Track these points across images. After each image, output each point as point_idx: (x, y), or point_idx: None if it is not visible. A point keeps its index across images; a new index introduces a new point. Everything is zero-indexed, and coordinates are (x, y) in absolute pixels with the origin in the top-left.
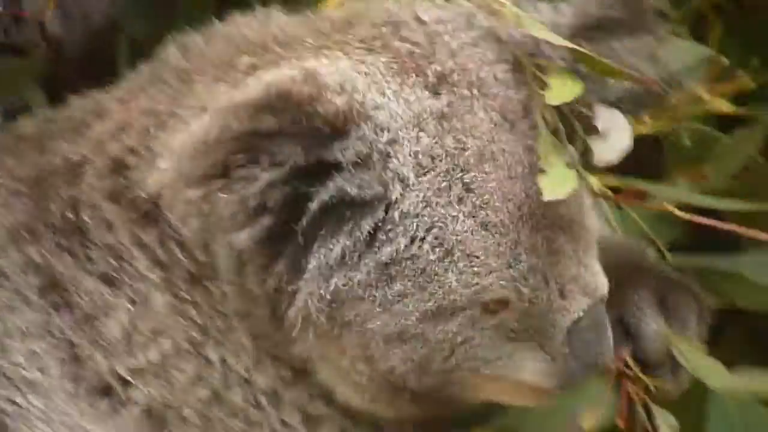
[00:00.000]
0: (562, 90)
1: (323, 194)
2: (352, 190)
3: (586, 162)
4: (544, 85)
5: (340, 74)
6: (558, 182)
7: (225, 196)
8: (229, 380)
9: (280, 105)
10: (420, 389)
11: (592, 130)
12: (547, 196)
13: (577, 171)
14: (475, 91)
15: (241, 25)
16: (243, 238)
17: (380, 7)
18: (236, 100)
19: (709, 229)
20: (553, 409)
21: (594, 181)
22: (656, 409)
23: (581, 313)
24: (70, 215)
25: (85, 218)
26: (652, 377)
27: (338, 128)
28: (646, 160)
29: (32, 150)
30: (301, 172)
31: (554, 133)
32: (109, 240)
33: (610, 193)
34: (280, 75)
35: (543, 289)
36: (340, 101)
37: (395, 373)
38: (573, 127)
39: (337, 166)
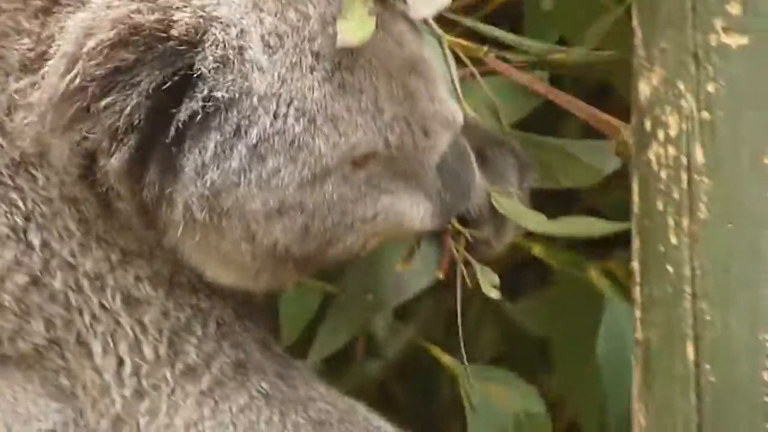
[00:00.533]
0: None
1: (192, 104)
2: (220, 94)
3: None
4: None
5: None
6: (357, 28)
7: (92, 132)
8: (50, 265)
9: (133, 38)
10: (303, 256)
11: None
12: (345, 42)
13: (427, 24)
14: None
15: None
16: (115, 162)
17: None
18: (89, 44)
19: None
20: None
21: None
22: (476, 265)
23: (446, 148)
24: None
25: None
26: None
27: (192, 42)
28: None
29: None
30: (165, 91)
31: None
32: None
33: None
34: (124, 11)
35: (407, 133)
36: (187, 17)
37: (278, 246)
38: None
39: (201, 76)
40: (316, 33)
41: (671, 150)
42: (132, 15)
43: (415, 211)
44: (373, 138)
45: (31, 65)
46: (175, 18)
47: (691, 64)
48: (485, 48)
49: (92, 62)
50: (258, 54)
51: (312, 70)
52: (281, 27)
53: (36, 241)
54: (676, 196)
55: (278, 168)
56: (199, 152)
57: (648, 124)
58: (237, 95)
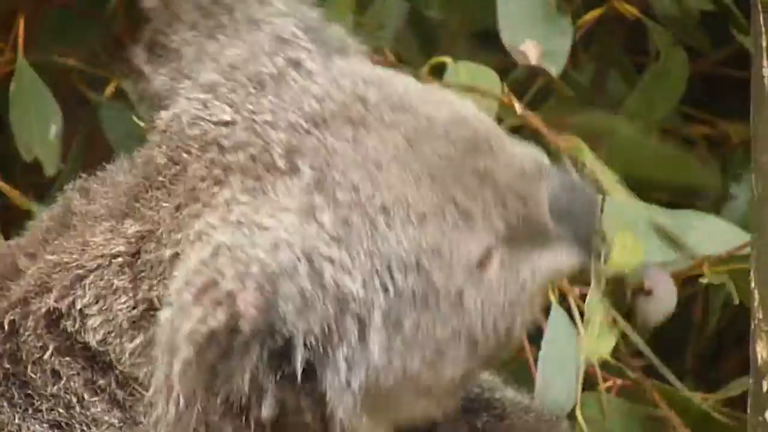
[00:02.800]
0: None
1: (300, 355)
2: (317, 330)
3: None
4: None
5: (226, 262)
6: (600, 342)
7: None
8: None
9: (212, 348)
10: (482, 361)
11: (640, 290)
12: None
13: None
14: (314, 130)
15: (119, 171)
16: (266, 411)
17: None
18: (176, 368)
19: None
20: None
21: None
22: None
23: (546, 193)
24: (8, 366)
25: (29, 371)
26: None
27: (268, 323)
28: None
29: None
30: (266, 364)
31: None
32: (56, 390)
33: None
34: (195, 318)
35: (505, 209)
36: (251, 299)
37: (456, 379)
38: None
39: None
40: (370, 192)
41: None
42: (202, 324)
43: (556, 261)
44: (479, 238)
45: (139, 322)
46: (240, 309)
47: None
48: None
49: (187, 382)
50: (334, 260)
51: (388, 225)
52: (339, 213)
53: None
54: None
55: (416, 323)
56: (335, 374)
57: (765, 386)
58: (336, 313)
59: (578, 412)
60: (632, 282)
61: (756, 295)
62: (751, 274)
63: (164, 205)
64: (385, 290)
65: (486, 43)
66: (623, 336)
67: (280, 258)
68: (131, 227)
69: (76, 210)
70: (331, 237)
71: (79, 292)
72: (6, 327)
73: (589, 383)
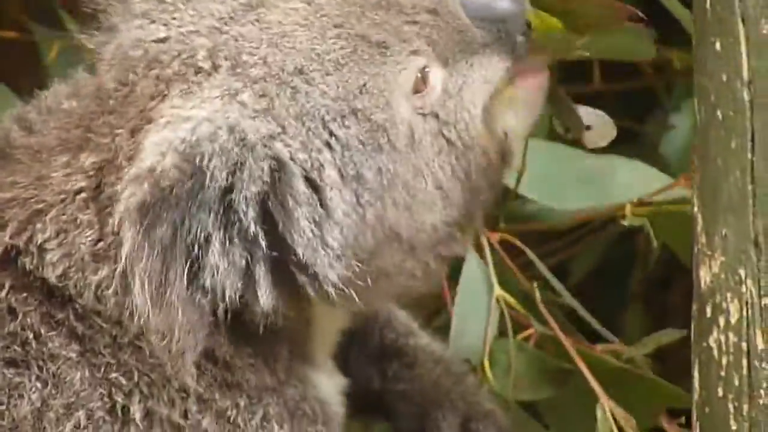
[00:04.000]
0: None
1: (249, 214)
2: (257, 187)
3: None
4: None
5: (150, 150)
6: None
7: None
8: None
9: (151, 215)
10: (463, 209)
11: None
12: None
13: None
14: (225, 27)
15: (61, 96)
16: (264, 299)
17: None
18: (126, 250)
19: None
20: None
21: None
22: None
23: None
24: None
25: None
26: None
27: (195, 171)
28: None
29: None
30: (224, 221)
31: None
32: (12, 327)
33: None
34: (125, 202)
35: (421, 28)
36: (170, 160)
37: (437, 227)
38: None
39: (231, 188)
40: (281, 60)
41: (732, 336)
42: (130, 201)
43: (486, 68)
44: (401, 63)
45: (105, 254)
46: (160, 170)
47: (752, 250)
48: None
49: (142, 262)
50: (260, 128)
51: (308, 82)
52: (256, 87)
53: (138, 414)
54: (736, 382)
55: (377, 167)
56: (301, 234)
57: (709, 311)
58: (276, 173)
59: (485, 360)
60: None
61: (699, 220)
62: (694, 198)
63: (118, 131)
64: (329, 146)
65: None
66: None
67: (199, 131)
68: (88, 159)
69: (17, 143)
70: (254, 111)
71: (39, 227)
72: None
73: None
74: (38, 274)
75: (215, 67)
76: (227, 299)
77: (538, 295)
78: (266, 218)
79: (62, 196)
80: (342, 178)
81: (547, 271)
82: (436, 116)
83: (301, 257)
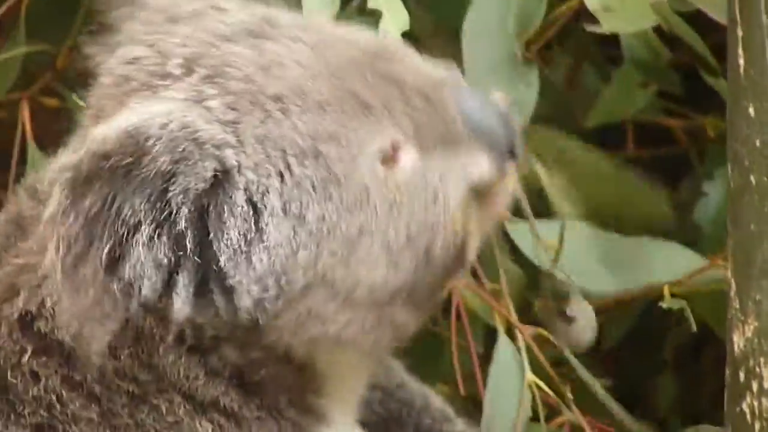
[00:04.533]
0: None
1: (182, 210)
2: (194, 185)
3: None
4: None
5: (101, 128)
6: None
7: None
8: None
9: (84, 182)
10: (408, 280)
11: (563, 315)
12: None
13: None
14: (219, 44)
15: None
16: (180, 306)
17: None
18: (49, 211)
19: None
20: None
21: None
22: None
23: (455, 98)
24: None
25: (9, 377)
26: None
27: (137, 151)
28: None
29: None
30: (156, 210)
31: None
32: (36, 392)
33: None
34: (61, 165)
35: (408, 107)
36: (115, 136)
37: (377, 288)
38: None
39: (167, 179)
40: (263, 82)
41: (765, 401)
42: (65, 163)
43: (470, 166)
44: (378, 129)
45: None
46: (102, 143)
47: None
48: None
49: (64, 226)
50: (216, 134)
51: (283, 111)
52: (228, 99)
53: None
54: None
55: (320, 214)
56: (228, 245)
57: (742, 376)
58: (218, 181)
59: None
60: (555, 306)
61: (733, 285)
62: (729, 264)
63: None
64: (281, 176)
65: None
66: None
67: (150, 120)
68: None
69: (26, 214)
70: (217, 119)
71: (46, 291)
72: None
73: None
74: (54, 336)
75: (188, 73)
76: (142, 296)
77: (569, 394)
78: (199, 222)
79: None
80: (283, 211)
81: (580, 365)
82: (398, 191)
83: (223, 267)
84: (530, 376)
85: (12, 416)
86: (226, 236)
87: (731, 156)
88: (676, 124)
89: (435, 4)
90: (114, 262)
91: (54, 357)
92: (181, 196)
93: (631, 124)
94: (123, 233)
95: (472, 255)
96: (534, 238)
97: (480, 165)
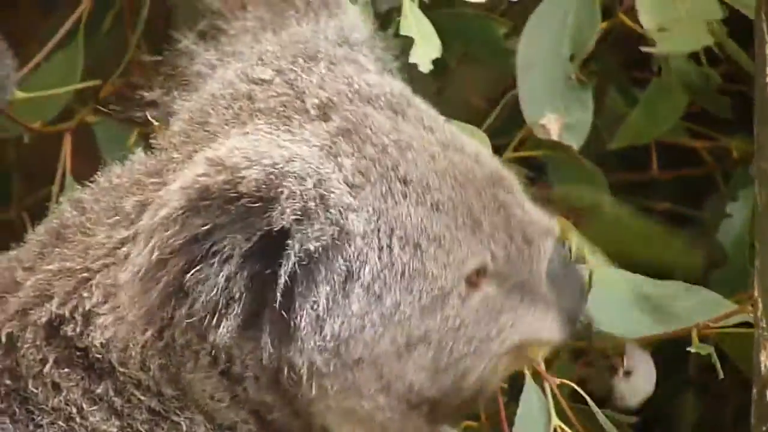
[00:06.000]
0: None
1: (288, 262)
2: (312, 246)
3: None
4: None
5: (240, 150)
6: (426, 50)
7: (187, 310)
8: None
9: (204, 203)
10: (437, 396)
11: (618, 369)
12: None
13: None
14: (357, 101)
15: (113, 176)
16: (223, 333)
17: (206, 100)
18: (161, 214)
19: None
20: None
21: None
22: None
23: (550, 253)
24: (9, 382)
25: (30, 387)
26: None
27: (266, 198)
28: None
29: None
30: (258, 255)
31: None
32: (57, 403)
33: None
34: (191, 177)
35: (509, 242)
36: (255, 173)
37: (413, 389)
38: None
39: (285, 232)
40: (397, 160)
41: None
42: (198, 179)
43: (538, 323)
44: (478, 250)
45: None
46: (243, 175)
47: None
48: None
49: (167, 233)
50: (344, 197)
51: (404, 195)
52: (362, 163)
53: None
54: None
55: (398, 302)
56: (312, 307)
57: None
58: (333, 242)
59: None
60: (611, 361)
61: (759, 305)
62: (755, 283)
63: (173, 166)
64: (380, 254)
65: None
66: None
67: (293, 164)
68: (131, 204)
69: (69, 223)
70: (345, 180)
71: (85, 294)
72: (3, 340)
73: None
74: (80, 344)
75: (325, 118)
76: (193, 309)
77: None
78: (294, 275)
79: (104, 260)
80: (370, 285)
81: (603, 417)
82: (469, 314)
83: (300, 324)
84: (556, 420)
85: (30, 425)
86: (313, 297)
87: (758, 175)
88: (701, 145)
89: (464, 31)
90: (187, 274)
91: (77, 368)
92: (293, 252)
93: (655, 145)
94: (209, 258)
95: (491, 392)
96: None
97: (551, 331)
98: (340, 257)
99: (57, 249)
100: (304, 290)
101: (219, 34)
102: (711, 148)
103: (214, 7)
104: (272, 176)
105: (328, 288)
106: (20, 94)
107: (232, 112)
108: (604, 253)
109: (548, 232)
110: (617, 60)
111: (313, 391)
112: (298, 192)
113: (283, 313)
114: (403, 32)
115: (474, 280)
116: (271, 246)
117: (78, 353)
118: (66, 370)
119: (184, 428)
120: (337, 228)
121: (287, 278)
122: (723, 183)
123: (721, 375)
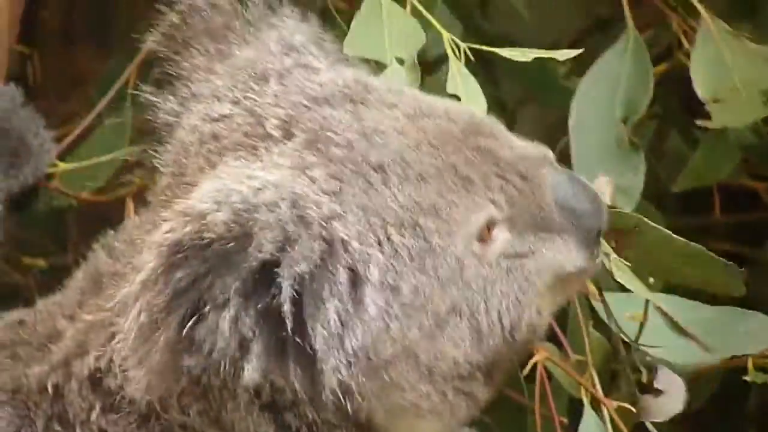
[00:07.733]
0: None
1: (284, 293)
2: (302, 267)
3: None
4: None
5: (208, 194)
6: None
7: (204, 360)
8: None
9: (178, 257)
10: (488, 360)
11: (649, 387)
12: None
13: None
14: (314, 106)
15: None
16: (250, 373)
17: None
18: (139, 279)
19: None
20: None
21: None
22: None
23: (550, 179)
24: (59, 428)
25: None
26: None
27: (239, 236)
28: None
29: (5, 358)
30: (251, 290)
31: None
32: None
33: None
34: (161, 235)
35: (506, 184)
36: (221, 215)
37: (460, 362)
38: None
39: (274, 262)
40: (365, 150)
41: None
42: (168, 235)
43: (562, 254)
44: (478, 205)
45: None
46: (208, 221)
47: None
48: None
49: (150, 294)
50: (323, 208)
51: (384, 182)
52: (332, 168)
53: None
54: None
55: (415, 287)
56: (323, 326)
57: None
58: (325, 256)
59: None
60: (640, 378)
61: None
62: None
63: (158, 224)
64: (381, 247)
65: None
66: None
67: (262, 195)
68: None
69: (104, 270)
70: (321, 189)
71: (116, 348)
72: (50, 390)
73: None
74: (125, 393)
75: (287, 136)
76: (211, 359)
77: None
78: (296, 299)
79: None
80: (381, 282)
81: None
82: (491, 269)
83: (316, 348)
84: None
85: None
86: (323, 317)
87: None
88: (761, 186)
89: (523, 72)
90: (191, 326)
91: (122, 415)
92: (287, 280)
93: (716, 187)
94: (207, 306)
95: (545, 329)
96: (619, 311)
97: (573, 259)
98: (339, 267)
99: (93, 299)
100: (312, 311)
101: (172, 79)
102: None
103: (160, 53)
104: (241, 213)
105: (336, 302)
106: (63, 165)
107: (203, 157)
108: (647, 275)
109: (543, 161)
110: (677, 100)
111: (354, 403)
112: (272, 220)
113: (298, 340)
114: (449, 91)
115: (485, 235)
116: (265, 278)
117: (122, 401)
118: (113, 416)
119: None
120: (325, 241)
121: (291, 305)
122: None
123: None
